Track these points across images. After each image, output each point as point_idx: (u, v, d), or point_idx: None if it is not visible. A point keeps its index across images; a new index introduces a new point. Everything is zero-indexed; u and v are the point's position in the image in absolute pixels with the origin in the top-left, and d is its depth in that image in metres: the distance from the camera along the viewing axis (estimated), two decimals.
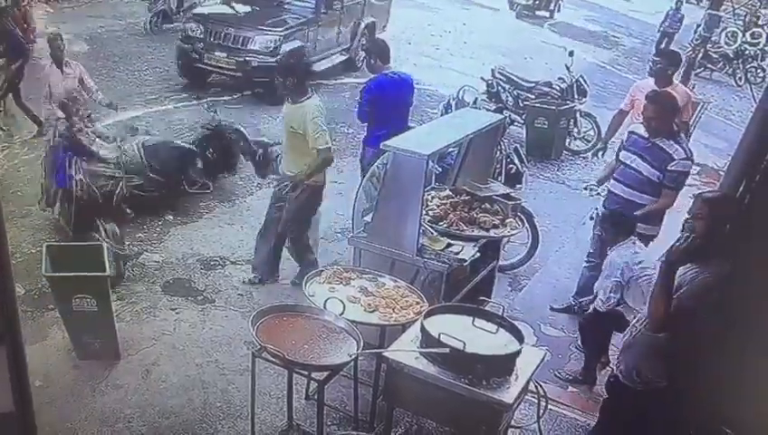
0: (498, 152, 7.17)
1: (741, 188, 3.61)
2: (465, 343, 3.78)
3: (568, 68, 11.24)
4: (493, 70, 11.50)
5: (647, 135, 5.80)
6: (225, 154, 8.32)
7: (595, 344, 5.68)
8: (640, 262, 5.25)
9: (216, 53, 11.15)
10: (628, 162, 5.92)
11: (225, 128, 8.27)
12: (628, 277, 5.25)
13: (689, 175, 6.00)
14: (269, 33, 11.11)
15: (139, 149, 7.43)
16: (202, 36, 11.19)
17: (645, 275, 5.08)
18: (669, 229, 5.32)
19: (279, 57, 10.51)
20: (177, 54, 11.55)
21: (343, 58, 12.97)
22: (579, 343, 5.89)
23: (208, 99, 8.88)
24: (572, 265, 6.57)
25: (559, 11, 23.63)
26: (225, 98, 11.16)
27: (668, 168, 5.70)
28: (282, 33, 11.20)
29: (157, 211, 7.59)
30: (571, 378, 5.71)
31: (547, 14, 23.25)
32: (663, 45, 17.32)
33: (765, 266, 3.56)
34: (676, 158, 5.68)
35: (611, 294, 5.32)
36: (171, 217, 7.48)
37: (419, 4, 20.44)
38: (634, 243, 5.44)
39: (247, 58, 11.00)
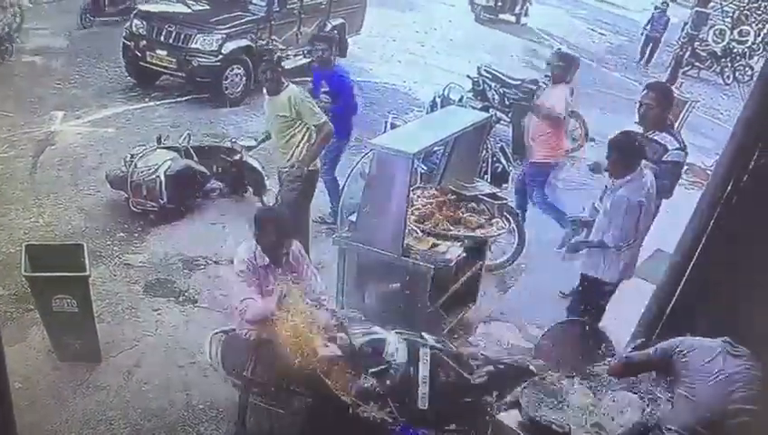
0: (484, 151, 7.15)
1: (729, 188, 3.61)
2: None
3: None
4: (479, 68, 11.46)
5: (640, 129, 5.77)
6: (236, 184, 8.18)
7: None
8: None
9: (157, 51, 10.65)
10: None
11: (246, 165, 8.06)
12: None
13: (683, 166, 5.98)
14: (212, 31, 10.70)
15: (161, 184, 7.33)
16: (145, 33, 10.79)
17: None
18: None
19: (221, 57, 10.53)
20: (123, 52, 11.14)
21: (306, 60, 12.14)
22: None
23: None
24: (559, 264, 6.54)
25: (526, 15, 21.13)
26: (168, 100, 10.89)
27: (663, 159, 5.63)
28: (225, 32, 10.79)
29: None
30: None
31: (512, 18, 20.81)
32: (648, 50, 17.23)
33: (752, 265, 3.58)
34: (669, 148, 5.63)
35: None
36: (153, 217, 7.39)
37: (403, 3, 20.38)
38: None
39: (188, 57, 10.52)
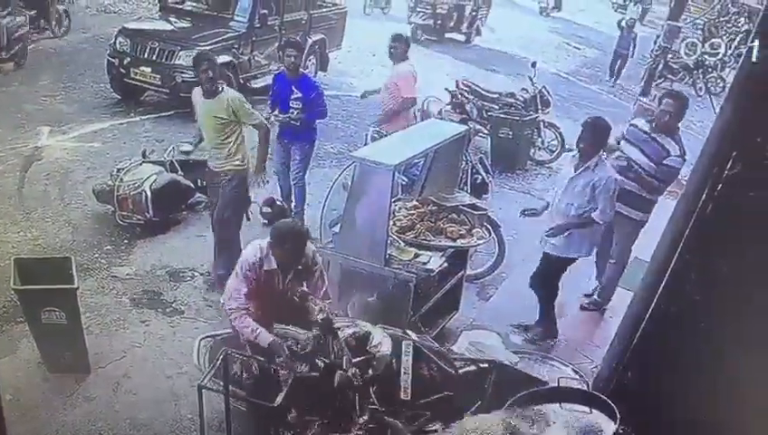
0: (464, 163, 7.29)
1: (703, 197, 3.67)
2: None
3: (531, 79, 11.45)
4: (457, 81, 11.65)
5: (646, 129, 6.25)
6: None
7: (551, 291, 6.27)
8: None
9: (141, 68, 10.83)
10: (626, 152, 6.30)
11: None
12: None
13: (679, 173, 6.34)
14: (194, 47, 10.67)
15: (147, 198, 7.42)
16: (129, 51, 10.92)
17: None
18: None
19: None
20: (107, 69, 11.27)
21: None
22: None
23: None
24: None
25: (479, 34, 19.48)
26: (153, 115, 10.94)
27: (664, 161, 6.11)
28: (207, 48, 10.61)
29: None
30: (537, 338, 6.34)
31: (462, 38, 19.14)
32: (617, 67, 17.44)
33: (728, 273, 3.66)
34: (672, 153, 6.10)
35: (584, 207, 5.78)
36: (139, 230, 7.47)
37: (383, 16, 20.55)
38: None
39: (171, 73, 10.69)
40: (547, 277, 6.22)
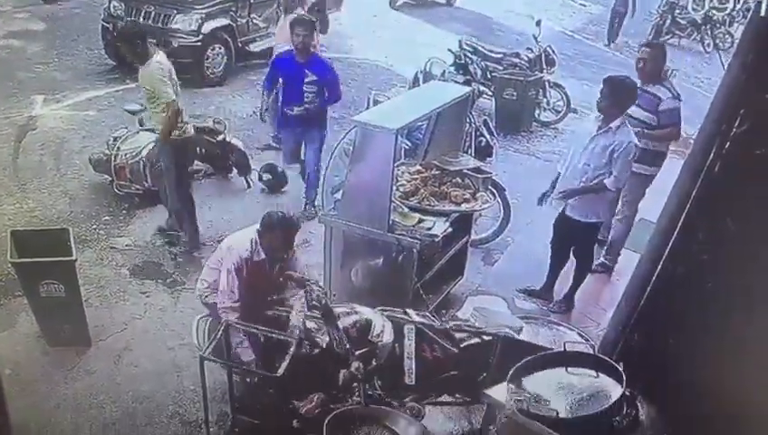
0: (468, 125, 7.15)
1: (711, 156, 3.59)
2: None
3: (535, 38, 11.21)
4: (460, 41, 11.41)
5: (638, 83, 6.18)
6: (220, 165, 8.11)
7: (561, 248, 6.23)
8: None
9: None
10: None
11: (229, 145, 7.99)
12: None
13: (680, 110, 6.37)
14: (190, 10, 10.54)
15: (144, 167, 7.26)
16: (123, 15, 10.61)
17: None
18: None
19: (201, 36, 10.47)
20: (101, 34, 11.00)
21: None
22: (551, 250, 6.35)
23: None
24: (544, 237, 6.58)
25: None
26: None
27: (659, 108, 6.22)
28: (204, 11, 10.65)
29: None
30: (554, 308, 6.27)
31: (443, 0, 18.01)
32: (615, 26, 16.87)
33: (735, 234, 3.58)
34: (663, 98, 6.21)
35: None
36: (137, 199, 7.36)
37: None
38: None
39: (168, 38, 10.31)
40: (565, 241, 6.16)
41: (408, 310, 4.76)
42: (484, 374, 4.39)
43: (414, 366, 4.36)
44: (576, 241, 6.14)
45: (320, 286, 4.72)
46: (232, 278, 4.61)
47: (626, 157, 5.57)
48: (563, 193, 5.84)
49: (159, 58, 6.24)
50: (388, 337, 4.42)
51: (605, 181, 5.64)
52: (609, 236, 6.88)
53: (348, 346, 4.28)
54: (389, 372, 4.39)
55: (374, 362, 4.34)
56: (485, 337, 4.59)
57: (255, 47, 11.57)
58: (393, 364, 4.39)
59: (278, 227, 4.65)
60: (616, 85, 5.66)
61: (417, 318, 4.63)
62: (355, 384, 4.23)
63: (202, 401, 4.47)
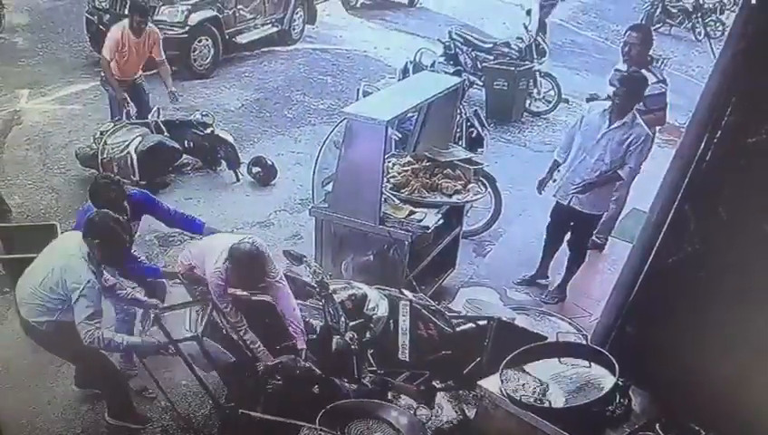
0: (458, 116, 7.11)
1: (702, 145, 3.59)
2: None
3: (526, 27, 11.17)
4: (450, 31, 11.35)
5: (624, 69, 6.35)
6: (209, 158, 8.07)
7: (558, 236, 6.28)
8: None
9: None
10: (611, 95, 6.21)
11: (218, 138, 7.96)
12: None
13: (666, 95, 6.46)
14: (176, 2, 10.42)
15: (132, 161, 7.20)
16: (108, 7, 10.47)
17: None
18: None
19: (188, 28, 10.37)
20: (86, 26, 10.81)
21: (275, 29, 12.15)
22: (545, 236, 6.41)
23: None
24: (536, 227, 6.59)
25: None
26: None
27: (646, 93, 6.09)
28: (190, 3, 10.55)
29: None
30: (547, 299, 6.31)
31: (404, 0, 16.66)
32: None
33: (726, 223, 3.58)
34: (649, 83, 6.09)
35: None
36: None
37: None
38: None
39: None
40: (564, 228, 6.20)
41: (403, 290, 4.80)
42: (479, 359, 4.41)
43: (408, 342, 4.38)
44: (575, 230, 6.16)
45: (316, 263, 4.71)
46: (220, 294, 4.40)
47: (643, 148, 5.65)
48: (581, 187, 5.82)
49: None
50: (383, 311, 4.45)
51: (620, 172, 5.72)
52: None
53: (343, 318, 4.29)
54: (384, 347, 4.42)
55: (368, 335, 4.35)
56: (480, 322, 4.61)
57: (243, 39, 11.49)
58: (387, 340, 4.40)
59: (244, 260, 4.29)
60: (632, 81, 5.77)
61: (412, 297, 4.66)
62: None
63: (194, 396, 4.45)
